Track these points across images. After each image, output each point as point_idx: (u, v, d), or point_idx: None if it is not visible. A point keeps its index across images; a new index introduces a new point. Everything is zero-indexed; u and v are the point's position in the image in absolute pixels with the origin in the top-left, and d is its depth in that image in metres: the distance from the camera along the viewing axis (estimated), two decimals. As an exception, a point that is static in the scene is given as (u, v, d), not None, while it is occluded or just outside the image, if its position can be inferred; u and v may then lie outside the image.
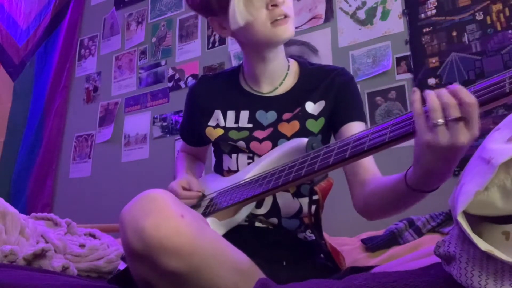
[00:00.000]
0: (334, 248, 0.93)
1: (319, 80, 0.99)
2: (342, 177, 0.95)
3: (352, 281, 0.52)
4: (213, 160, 1.08)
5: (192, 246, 0.57)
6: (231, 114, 1.01)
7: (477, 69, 1.71)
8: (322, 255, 0.93)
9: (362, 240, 1.34)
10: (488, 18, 1.74)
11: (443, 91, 0.57)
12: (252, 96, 1.01)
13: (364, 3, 2.06)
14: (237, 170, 0.97)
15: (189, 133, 1.15)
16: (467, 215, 0.44)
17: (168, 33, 2.65)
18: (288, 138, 0.93)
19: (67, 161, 2.81)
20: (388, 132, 0.63)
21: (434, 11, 1.87)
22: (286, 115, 0.97)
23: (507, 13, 1.71)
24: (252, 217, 0.94)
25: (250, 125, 0.98)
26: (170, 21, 2.66)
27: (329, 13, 2.14)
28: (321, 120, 0.96)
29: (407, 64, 1.88)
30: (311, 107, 0.97)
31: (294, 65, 1.04)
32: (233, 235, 0.79)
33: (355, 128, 0.93)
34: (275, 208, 0.93)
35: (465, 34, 1.77)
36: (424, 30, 1.87)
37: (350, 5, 2.09)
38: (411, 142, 0.61)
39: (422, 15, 1.89)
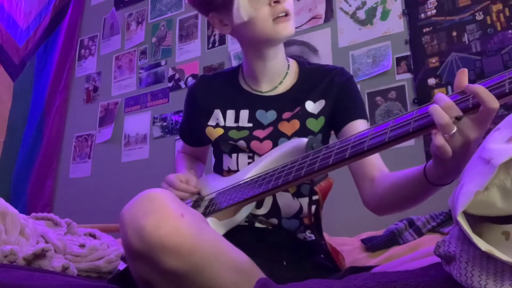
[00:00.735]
0: (334, 248, 0.93)
1: (319, 79, 0.99)
2: (342, 177, 0.96)
3: (352, 281, 0.52)
4: (213, 160, 1.08)
5: (192, 245, 0.57)
6: (230, 113, 1.01)
7: (477, 69, 1.71)
8: (322, 255, 0.93)
9: (362, 240, 1.33)
10: (488, 18, 1.74)
11: (439, 98, 0.57)
12: (252, 96, 1.02)
13: (364, 3, 2.06)
14: (237, 170, 0.97)
15: (189, 133, 1.15)
16: (467, 215, 0.44)
17: (168, 33, 2.65)
18: (289, 137, 0.93)
19: (67, 161, 2.81)
20: (388, 131, 0.63)
21: (434, 11, 1.87)
22: (286, 114, 0.97)
23: (507, 13, 1.71)
24: (252, 217, 0.94)
25: (250, 125, 0.98)
26: (170, 21, 2.66)
27: (329, 13, 2.14)
28: (321, 119, 0.96)
29: (407, 64, 1.88)
30: (311, 106, 0.97)
31: (293, 64, 1.04)
32: (233, 235, 0.79)
33: (357, 126, 0.93)
34: (275, 209, 0.93)
35: (465, 34, 1.77)
36: (424, 30, 1.87)
37: (350, 5, 2.09)
38: (411, 142, 0.62)
39: (422, 15, 1.89)
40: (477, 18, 1.76)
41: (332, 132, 1.00)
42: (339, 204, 1.57)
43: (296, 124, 0.95)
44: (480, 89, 0.54)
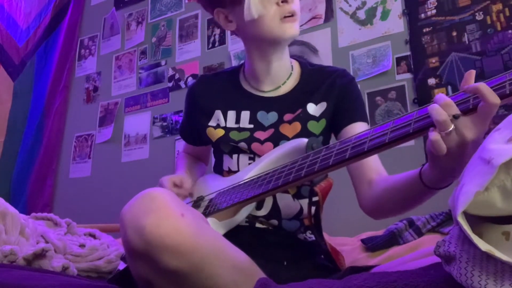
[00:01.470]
0: (334, 248, 0.93)
1: (320, 81, 0.99)
2: (342, 177, 0.95)
3: (352, 281, 0.52)
4: (213, 160, 1.08)
5: (192, 244, 0.57)
6: (231, 114, 1.01)
7: (477, 69, 1.71)
8: (322, 255, 0.93)
9: (362, 240, 1.33)
10: (488, 18, 1.74)
11: (439, 97, 0.58)
12: (253, 97, 1.01)
13: (364, 3, 2.06)
14: (238, 171, 0.97)
15: (190, 133, 1.15)
16: (467, 215, 0.44)
17: (168, 33, 2.65)
18: (290, 140, 0.93)
19: (67, 161, 2.81)
20: (388, 132, 0.63)
21: (434, 11, 1.87)
22: (287, 116, 0.97)
23: (507, 13, 1.71)
24: (252, 218, 0.94)
25: (251, 126, 0.98)
26: (170, 21, 2.66)
27: (329, 13, 2.14)
28: (323, 122, 0.96)
29: (407, 64, 1.88)
30: (312, 109, 0.97)
31: (296, 66, 1.04)
32: (233, 236, 0.79)
33: (357, 128, 0.93)
34: (275, 210, 0.93)
35: (465, 34, 1.77)
36: (424, 30, 1.87)
37: (350, 5, 2.09)
38: (411, 142, 0.62)
39: (422, 15, 1.90)
40: (477, 18, 1.76)
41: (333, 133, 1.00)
42: (339, 204, 1.57)
43: (297, 126, 0.95)
44: (481, 85, 0.54)
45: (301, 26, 2.17)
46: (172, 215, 0.58)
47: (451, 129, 0.56)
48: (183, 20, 2.62)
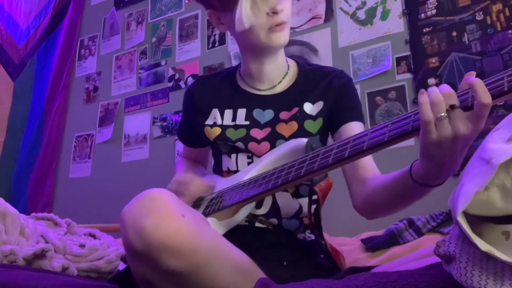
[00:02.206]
0: (334, 248, 0.93)
1: (318, 81, 1.00)
2: (342, 177, 0.95)
3: (352, 281, 0.52)
4: (213, 162, 1.08)
5: (192, 245, 0.57)
6: (228, 112, 1.02)
7: (477, 69, 1.71)
8: (322, 255, 0.93)
9: (362, 240, 1.34)
10: (488, 18, 1.74)
11: (441, 85, 0.59)
12: (249, 95, 1.02)
13: (364, 3, 2.06)
14: (237, 170, 0.97)
15: (188, 134, 1.15)
16: (467, 215, 0.44)
17: (168, 33, 2.65)
18: (286, 139, 0.94)
19: (67, 161, 2.81)
20: (387, 131, 0.63)
21: (434, 11, 1.87)
22: (283, 114, 0.97)
23: (507, 13, 1.71)
24: (252, 217, 0.94)
25: (247, 123, 0.98)
26: (170, 21, 2.66)
27: (329, 13, 2.14)
28: (319, 121, 0.96)
29: (407, 64, 1.88)
30: (309, 108, 0.97)
31: (293, 65, 1.04)
32: (233, 235, 0.79)
33: (353, 128, 0.93)
34: (275, 209, 0.94)
35: (465, 34, 1.77)
36: (424, 30, 1.87)
37: (350, 5, 2.09)
38: (410, 142, 0.62)
39: (422, 15, 1.90)
40: (477, 18, 1.76)
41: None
42: (339, 204, 1.56)
43: (294, 125, 0.95)
44: (476, 81, 0.54)
45: (301, 26, 2.18)
46: (172, 216, 0.58)
47: (443, 114, 0.56)
48: (183, 20, 2.62)
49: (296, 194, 0.95)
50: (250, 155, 0.97)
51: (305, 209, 0.92)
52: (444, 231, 1.27)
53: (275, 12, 0.89)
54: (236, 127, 0.99)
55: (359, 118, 0.96)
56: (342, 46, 2.06)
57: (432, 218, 1.34)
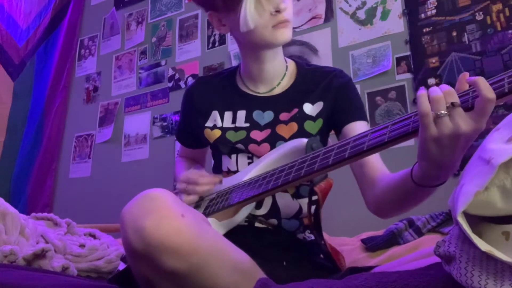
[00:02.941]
0: (334, 248, 0.93)
1: (317, 81, 1.00)
2: (342, 177, 0.96)
3: (352, 281, 0.52)
4: (212, 162, 1.08)
5: (192, 245, 0.57)
6: (228, 114, 1.01)
7: (477, 69, 1.71)
8: (322, 255, 0.93)
9: (362, 240, 1.33)
10: (488, 18, 1.74)
11: (442, 85, 0.59)
12: (249, 96, 1.02)
13: (364, 3, 2.06)
14: (237, 171, 0.97)
15: (187, 135, 1.15)
16: (467, 215, 0.44)
17: (168, 33, 2.65)
18: (286, 140, 0.93)
19: (67, 161, 2.81)
20: (388, 132, 0.63)
21: (434, 11, 1.87)
22: (283, 115, 0.97)
23: (507, 13, 1.71)
24: (252, 218, 0.94)
25: (247, 125, 0.98)
26: (170, 21, 2.66)
27: (329, 13, 2.14)
28: (319, 122, 0.96)
29: (407, 64, 1.88)
30: (309, 109, 0.97)
31: (292, 65, 1.04)
32: (233, 236, 0.79)
33: (358, 127, 0.93)
34: (274, 209, 0.94)
35: (465, 34, 1.77)
36: (424, 30, 1.87)
37: (350, 5, 2.09)
38: (410, 142, 0.62)
39: (422, 15, 1.90)
40: (477, 18, 1.76)
41: (332, 132, 1.00)
42: (339, 204, 1.57)
43: (294, 126, 0.95)
44: (479, 78, 0.54)
45: (301, 26, 2.18)
46: (172, 216, 0.58)
47: (444, 112, 0.56)
48: (183, 20, 2.62)
49: (296, 195, 0.95)
50: (250, 155, 0.97)
51: (304, 209, 0.92)
52: (444, 231, 1.27)
53: (278, 11, 0.89)
54: (236, 129, 0.99)
55: (362, 117, 0.96)
56: (342, 46, 2.06)
57: (432, 218, 1.34)
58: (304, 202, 0.90)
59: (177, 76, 2.55)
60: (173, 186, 1.03)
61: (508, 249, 0.43)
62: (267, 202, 0.94)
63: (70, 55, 3.00)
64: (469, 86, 0.59)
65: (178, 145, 2.38)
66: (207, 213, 0.88)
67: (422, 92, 0.58)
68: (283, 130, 0.96)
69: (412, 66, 1.86)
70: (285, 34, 0.92)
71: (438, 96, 0.57)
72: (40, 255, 0.97)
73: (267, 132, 0.97)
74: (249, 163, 0.96)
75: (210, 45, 2.47)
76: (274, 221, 0.94)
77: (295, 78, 1.02)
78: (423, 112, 0.57)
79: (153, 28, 2.72)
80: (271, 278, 0.62)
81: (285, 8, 0.90)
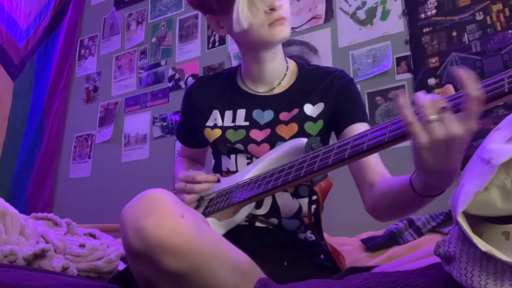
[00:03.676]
0: (334, 248, 0.93)
1: (318, 81, 0.99)
2: (342, 177, 0.95)
3: (352, 281, 0.52)
4: (212, 162, 1.08)
5: (192, 245, 0.57)
6: (228, 114, 1.01)
7: (477, 69, 1.71)
8: (322, 255, 0.93)
9: (362, 240, 1.34)
10: (488, 18, 1.74)
11: (428, 94, 0.57)
12: (249, 96, 1.02)
13: (364, 3, 2.06)
14: (236, 171, 0.97)
15: (187, 134, 1.15)
16: (467, 216, 0.44)
17: (168, 33, 2.65)
18: (286, 141, 0.93)
19: (67, 161, 2.81)
20: (387, 132, 0.63)
21: (434, 11, 1.87)
22: (283, 115, 0.97)
23: (507, 13, 1.71)
24: (252, 217, 0.94)
25: (247, 123, 0.98)
26: (170, 21, 2.66)
27: (329, 13, 2.14)
28: (320, 123, 0.96)
29: (407, 64, 1.88)
30: (309, 109, 0.97)
31: (292, 65, 1.04)
32: (233, 235, 0.79)
33: (358, 129, 0.92)
34: (274, 209, 0.94)
35: (465, 34, 1.77)
36: (424, 30, 1.87)
37: (350, 5, 2.09)
38: (410, 142, 0.61)
39: (422, 15, 1.90)
40: (477, 18, 1.76)
41: (333, 133, 1.00)
42: (339, 204, 1.57)
43: (294, 127, 0.95)
44: (466, 74, 0.52)
45: (301, 26, 2.18)
46: (172, 216, 0.58)
47: (434, 117, 0.54)
48: (183, 20, 2.62)
49: (296, 194, 0.95)
50: (249, 156, 0.97)
51: (305, 209, 0.92)
52: (444, 231, 1.27)
53: (273, 9, 0.89)
54: (236, 128, 0.99)
55: (363, 118, 0.96)
56: (342, 46, 2.06)
57: (432, 218, 1.34)
58: (304, 201, 0.90)
59: (177, 76, 2.55)
60: (172, 185, 1.03)
61: (508, 249, 0.43)
62: (267, 202, 0.94)
63: (70, 55, 3.00)
64: (456, 89, 0.57)
65: (178, 145, 2.39)
66: (206, 213, 0.88)
67: (402, 101, 0.57)
68: (283, 131, 0.96)
69: (412, 66, 1.86)
70: (283, 32, 0.91)
71: (424, 102, 0.55)
72: (40, 255, 0.97)
73: (266, 132, 0.97)
74: (248, 163, 0.96)
75: (210, 45, 2.47)
76: (274, 220, 0.94)
77: (295, 78, 1.02)
78: (407, 122, 0.56)
79: (153, 28, 2.72)
80: (271, 278, 0.62)
81: (280, 5, 0.90)
